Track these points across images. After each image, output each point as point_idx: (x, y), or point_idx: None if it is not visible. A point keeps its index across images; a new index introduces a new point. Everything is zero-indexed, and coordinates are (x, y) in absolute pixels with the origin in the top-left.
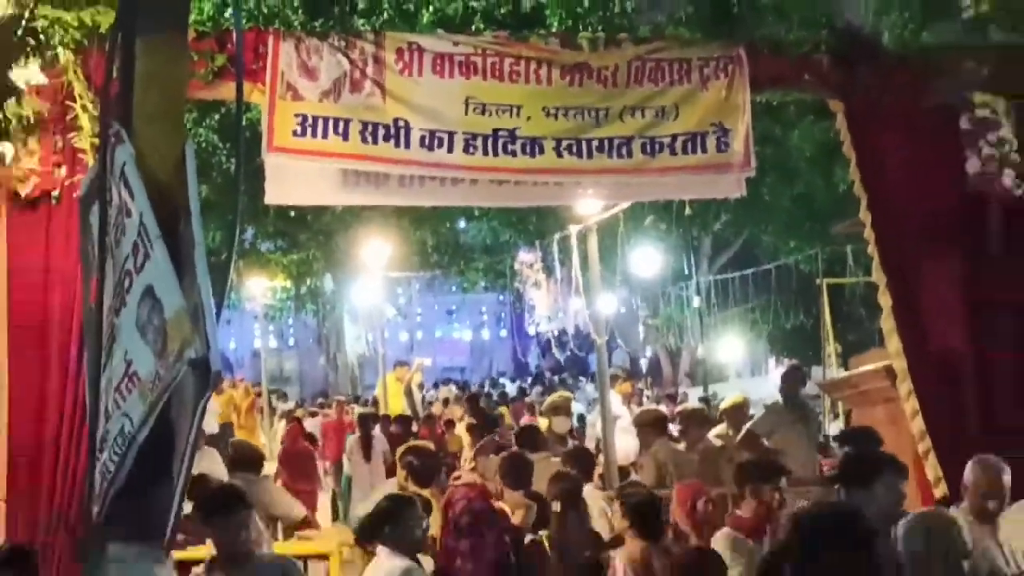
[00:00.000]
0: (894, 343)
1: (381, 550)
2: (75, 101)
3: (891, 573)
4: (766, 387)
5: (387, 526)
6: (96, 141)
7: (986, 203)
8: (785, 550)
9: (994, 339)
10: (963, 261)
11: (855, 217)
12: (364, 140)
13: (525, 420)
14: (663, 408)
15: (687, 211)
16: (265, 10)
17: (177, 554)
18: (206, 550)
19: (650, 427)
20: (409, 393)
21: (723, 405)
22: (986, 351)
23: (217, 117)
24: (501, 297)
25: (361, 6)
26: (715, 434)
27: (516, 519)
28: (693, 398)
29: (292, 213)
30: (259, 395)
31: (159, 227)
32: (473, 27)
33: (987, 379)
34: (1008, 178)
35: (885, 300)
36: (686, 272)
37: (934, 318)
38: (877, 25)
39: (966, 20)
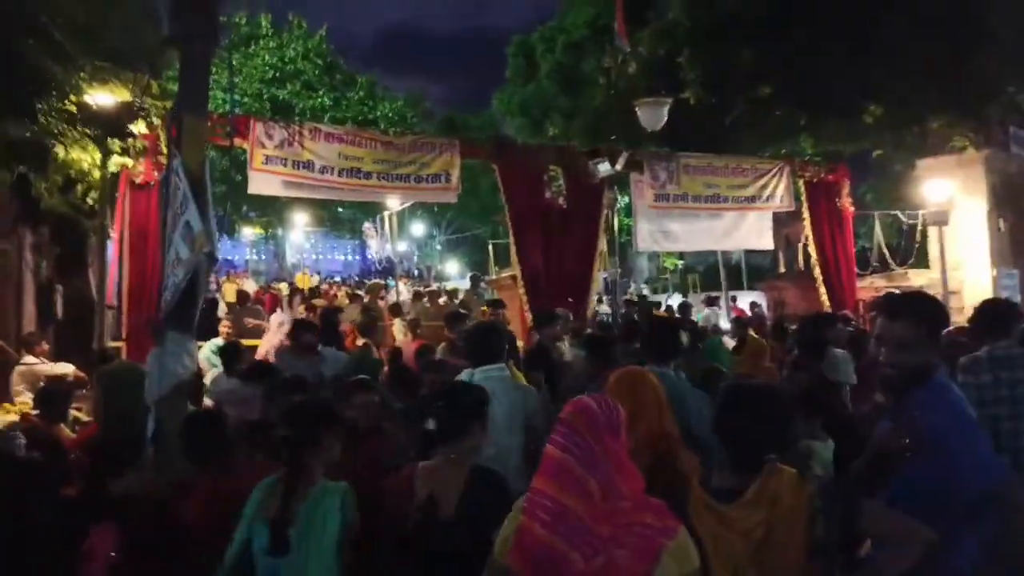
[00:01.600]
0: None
1: None
2: (159, 140)
3: None
4: None
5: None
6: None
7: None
8: None
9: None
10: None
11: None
12: (295, 167)
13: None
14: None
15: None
16: (253, 109)
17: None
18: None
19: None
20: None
21: None
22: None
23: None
24: (356, 242)
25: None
26: None
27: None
28: None
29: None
30: None
31: (192, 192)
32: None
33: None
34: (560, 199)
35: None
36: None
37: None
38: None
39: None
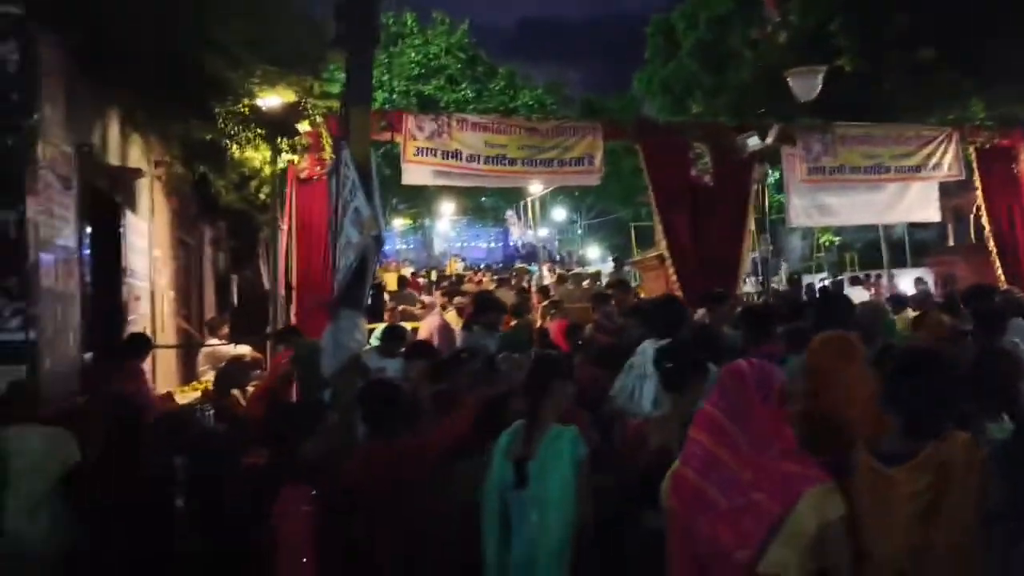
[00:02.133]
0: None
1: None
2: (321, 137)
3: None
4: None
5: None
6: (332, 156)
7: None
8: None
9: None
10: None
11: None
12: (444, 157)
13: None
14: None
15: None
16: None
17: None
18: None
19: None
20: None
21: None
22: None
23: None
24: (499, 229)
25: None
26: None
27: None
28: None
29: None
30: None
31: (360, 180)
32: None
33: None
34: (707, 176)
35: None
36: None
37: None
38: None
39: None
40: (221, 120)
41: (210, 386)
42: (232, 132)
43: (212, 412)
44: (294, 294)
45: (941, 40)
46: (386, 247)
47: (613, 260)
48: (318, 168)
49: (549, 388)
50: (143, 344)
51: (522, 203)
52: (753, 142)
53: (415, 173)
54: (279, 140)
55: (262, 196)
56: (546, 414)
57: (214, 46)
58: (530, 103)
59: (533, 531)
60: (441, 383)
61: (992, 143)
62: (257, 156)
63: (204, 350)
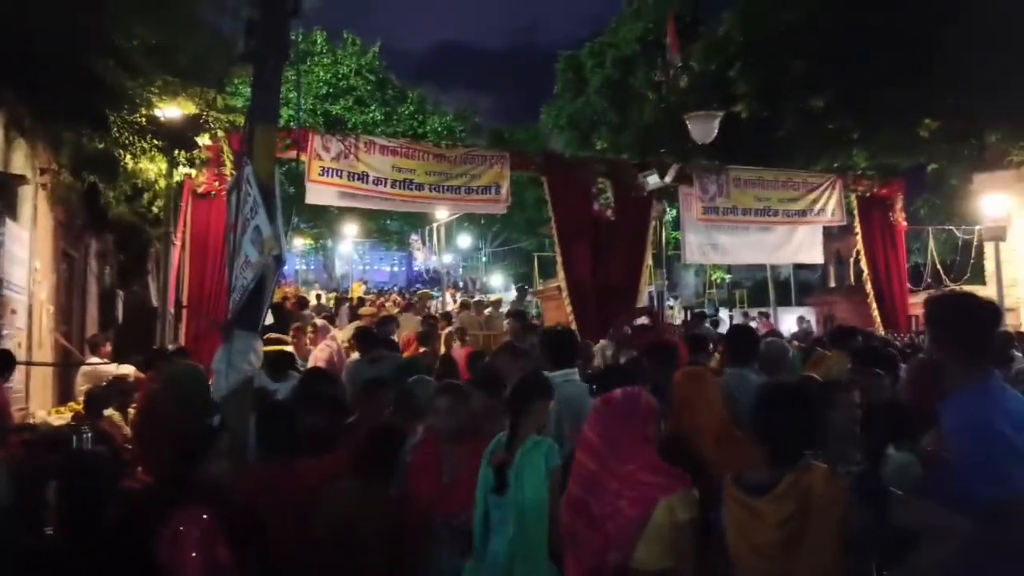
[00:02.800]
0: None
1: None
2: (222, 152)
3: None
4: None
5: None
6: (233, 172)
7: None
8: None
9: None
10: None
11: None
12: (350, 179)
13: None
14: None
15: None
16: (307, 123)
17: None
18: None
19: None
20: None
21: None
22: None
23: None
24: (403, 253)
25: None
26: None
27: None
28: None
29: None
30: None
31: (262, 199)
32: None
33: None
34: (608, 211)
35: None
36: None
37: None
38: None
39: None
40: (116, 129)
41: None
42: (127, 142)
43: (89, 435)
44: (184, 313)
45: (835, 88)
46: (285, 267)
47: (516, 289)
48: (216, 183)
49: (529, 405)
50: (6, 361)
51: (427, 228)
52: (653, 180)
53: (319, 193)
54: (177, 152)
55: (155, 209)
56: (525, 428)
57: (112, 52)
58: (439, 129)
59: (511, 531)
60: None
61: (872, 191)
62: (152, 168)
63: (84, 368)
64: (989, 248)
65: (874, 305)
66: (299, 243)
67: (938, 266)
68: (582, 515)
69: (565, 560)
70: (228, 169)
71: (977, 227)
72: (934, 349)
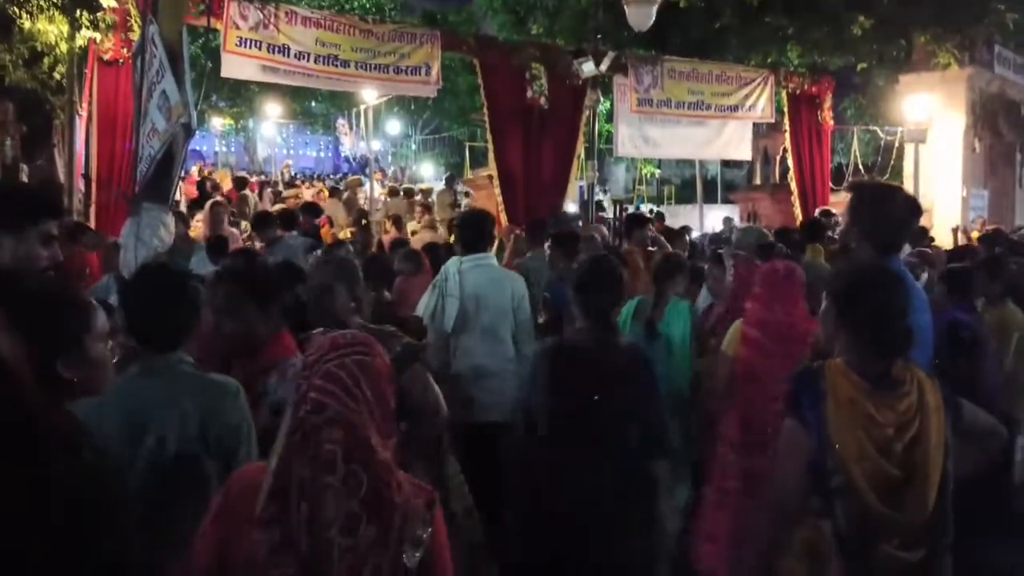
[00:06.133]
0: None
1: None
2: (129, 16)
3: None
4: None
5: None
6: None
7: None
8: None
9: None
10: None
11: None
12: (270, 51)
13: None
14: None
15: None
16: None
17: None
18: None
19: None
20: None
21: None
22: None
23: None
24: (330, 138)
25: None
26: None
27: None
28: None
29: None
30: None
31: (169, 62)
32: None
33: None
34: (542, 99)
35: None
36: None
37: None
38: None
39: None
40: None
41: None
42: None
43: None
44: (94, 187)
45: None
46: (204, 148)
47: (445, 178)
48: (124, 50)
49: (672, 278)
50: None
51: (354, 111)
52: (588, 68)
53: (237, 66)
54: (79, 14)
55: (57, 75)
56: (668, 294)
57: None
58: (366, 4)
59: (663, 369)
60: None
61: (802, 89)
62: (52, 29)
63: None
64: (909, 149)
65: (797, 203)
66: (217, 123)
67: (860, 166)
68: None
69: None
70: (137, 35)
71: (900, 128)
72: (851, 233)
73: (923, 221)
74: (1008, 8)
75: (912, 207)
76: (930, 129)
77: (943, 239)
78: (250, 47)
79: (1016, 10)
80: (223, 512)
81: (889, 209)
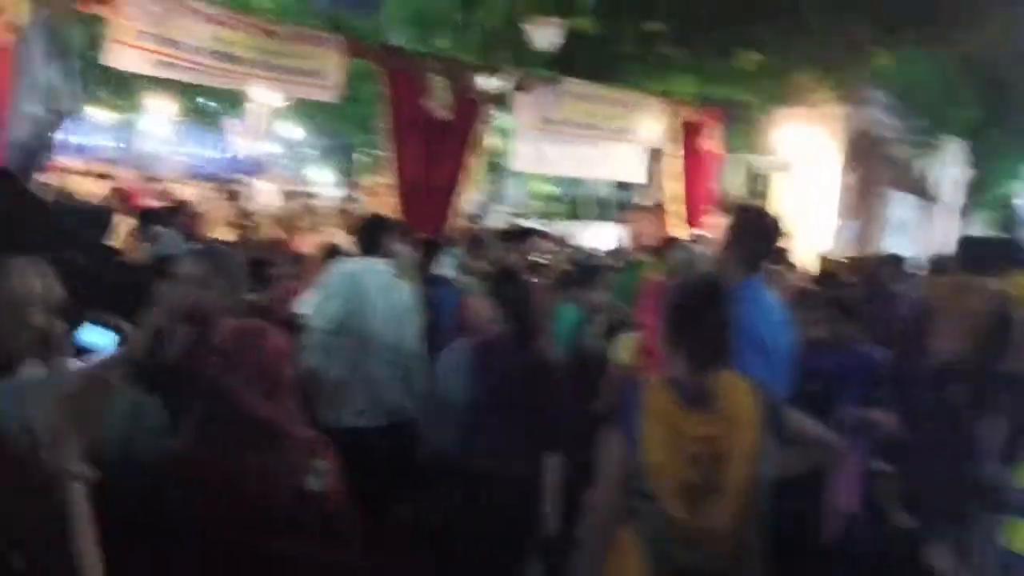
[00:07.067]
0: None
1: None
2: None
3: None
4: None
5: None
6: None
7: (433, 121)
8: None
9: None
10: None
11: None
12: (160, 45)
13: None
14: None
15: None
16: None
17: None
18: None
19: None
20: None
21: None
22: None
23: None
24: (222, 136)
25: None
26: None
27: None
28: None
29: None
30: None
31: (53, 47)
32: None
33: None
34: (443, 112)
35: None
36: None
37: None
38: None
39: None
40: None
41: None
42: None
43: None
44: None
45: (670, 15)
46: (84, 142)
47: (347, 183)
48: (7, 34)
49: None
50: None
51: (249, 113)
52: (491, 84)
53: (124, 57)
54: None
55: None
56: None
57: None
58: (269, 5)
59: None
60: None
61: (692, 118)
62: None
63: None
64: (776, 178)
65: (675, 224)
66: (101, 116)
67: (731, 192)
68: None
69: None
70: (24, 19)
71: (769, 158)
72: (725, 249)
73: (790, 247)
74: (884, 52)
75: (772, 228)
76: (801, 161)
77: (811, 265)
78: (142, 39)
79: (890, 55)
80: None
81: (751, 228)
